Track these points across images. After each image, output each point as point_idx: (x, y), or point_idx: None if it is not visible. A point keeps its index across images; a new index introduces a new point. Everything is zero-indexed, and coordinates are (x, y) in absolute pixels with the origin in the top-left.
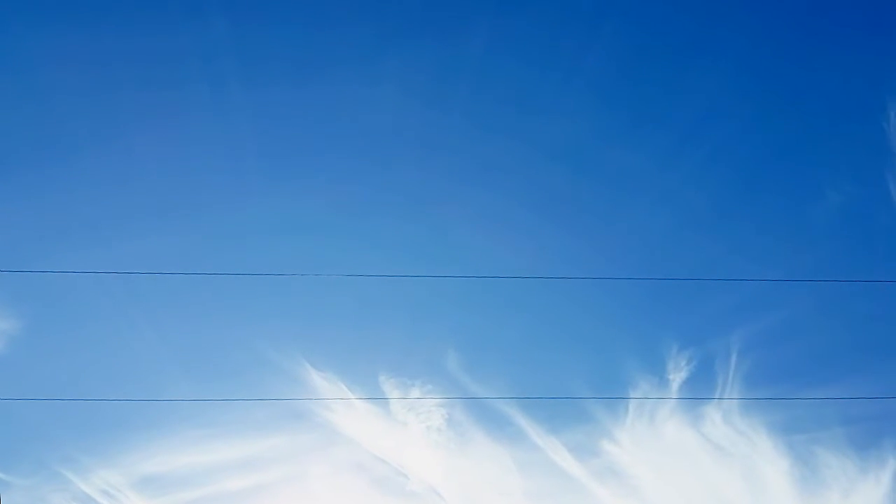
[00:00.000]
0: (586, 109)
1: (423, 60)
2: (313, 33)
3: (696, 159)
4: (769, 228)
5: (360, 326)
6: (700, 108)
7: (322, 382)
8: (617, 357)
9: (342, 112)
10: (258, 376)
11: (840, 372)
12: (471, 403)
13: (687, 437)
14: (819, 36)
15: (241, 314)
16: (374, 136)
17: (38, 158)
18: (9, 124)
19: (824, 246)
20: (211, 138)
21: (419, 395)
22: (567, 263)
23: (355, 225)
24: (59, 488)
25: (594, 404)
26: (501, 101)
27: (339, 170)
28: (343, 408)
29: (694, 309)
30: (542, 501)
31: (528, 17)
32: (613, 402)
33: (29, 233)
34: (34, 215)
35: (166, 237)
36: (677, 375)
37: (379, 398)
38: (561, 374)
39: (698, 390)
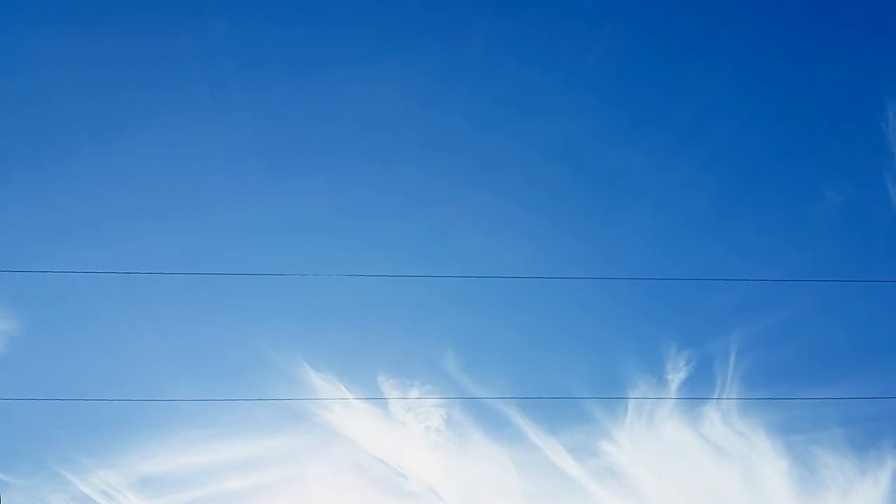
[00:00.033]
0: (586, 109)
1: (423, 60)
2: (313, 33)
3: (696, 159)
4: (768, 228)
5: (359, 326)
6: (700, 108)
7: (321, 383)
8: (616, 357)
9: (342, 112)
10: (257, 377)
11: (839, 372)
12: (470, 404)
13: (686, 437)
14: (818, 36)
15: (240, 314)
16: (374, 136)
17: (38, 158)
18: (9, 124)
19: (823, 246)
20: (211, 138)
21: (418, 395)
22: (566, 263)
23: (355, 225)
24: (58, 488)
25: (593, 404)
26: (501, 101)
27: (339, 170)
28: (342, 408)
29: (693, 309)
30: (540, 502)
31: (528, 17)
32: (612, 403)
33: (29, 233)
34: (34, 215)
35: (166, 237)
36: (676, 375)
37: (378, 398)
38: (560, 374)
39: (697, 390)
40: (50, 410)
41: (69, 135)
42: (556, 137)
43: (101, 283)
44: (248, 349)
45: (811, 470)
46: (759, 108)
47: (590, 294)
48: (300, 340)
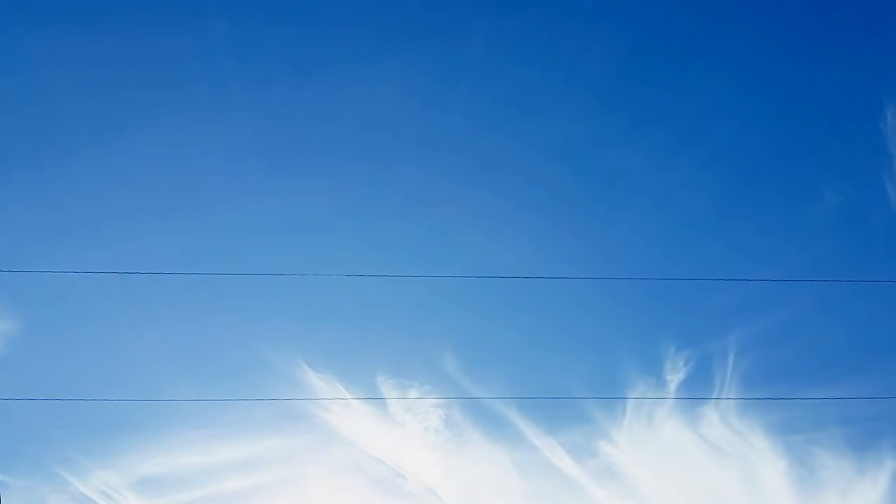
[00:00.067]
0: (586, 109)
1: (423, 60)
2: (313, 33)
3: (696, 159)
4: (767, 229)
5: (358, 327)
6: (700, 108)
7: (320, 383)
8: (614, 357)
9: (342, 112)
10: (256, 377)
11: (837, 372)
12: (468, 404)
13: (684, 437)
14: (817, 37)
15: (239, 314)
16: (374, 136)
17: (38, 158)
18: (9, 124)
19: (821, 246)
20: (211, 138)
21: (417, 395)
22: (565, 263)
23: (354, 225)
24: (57, 489)
25: (592, 405)
26: (501, 101)
27: (339, 170)
28: (341, 409)
29: (692, 309)
30: (539, 502)
31: (528, 17)
32: (611, 403)
33: (29, 233)
34: (34, 215)
35: (166, 237)
36: (675, 376)
37: (377, 398)
38: (558, 374)
39: (696, 391)
40: (49, 411)
41: (69, 135)
42: (556, 137)
43: (100, 283)
44: (246, 349)
45: (810, 470)
46: (759, 109)
47: (589, 294)
48: (299, 340)
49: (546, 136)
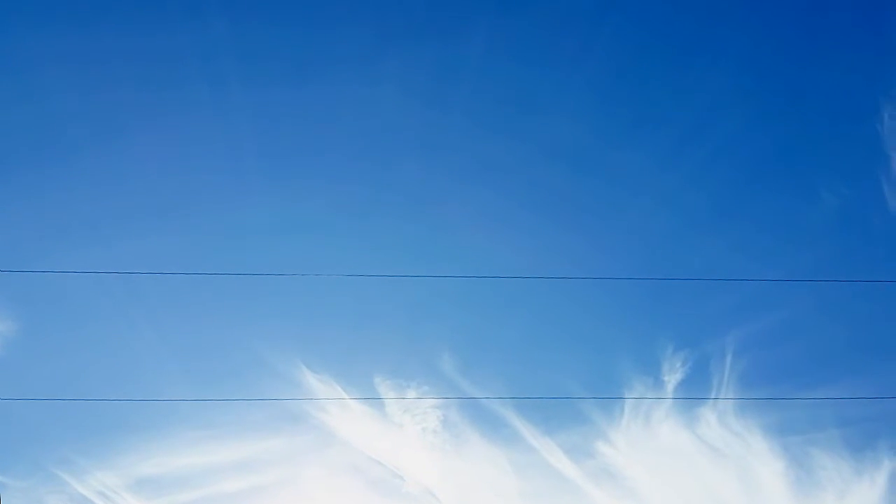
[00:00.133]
0: (586, 109)
1: (423, 60)
2: (313, 33)
3: (696, 159)
4: (765, 229)
5: (356, 327)
6: (700, 108)
7: (318, 384)
8: (612, 358)
9: (342, 112)
10: (254, 378)
11: (835, 373)
12: (466, 405)
13: (682, 438)
14: (815, 39)
15: (238, 315)
16: (374, 136)
17: (38, 158)
18: (9, 124)
19: (819, 247)
20: (211, 138)
21: (415, 396)
22: (564, 263)
23: (354, 225)
24: (55, 490)
25: (589, 405)
26: (501, 101)
27: (339, 170)
28: (339, 410)
29: (689, 309)
30: (537, 502)
31: (528, 17)
32: (609, 404)
33: (29, 233)
34: (34, 215)
35: (166, 237)
36: (672, 377)
37: (375, 398)
38: (556, 375)
39: (694, 391)
40: (48, 411)
41: (69, 135)
42: (556, 137)
43: (99, 283)
44: (245, 350)
45: (808, 471)
46: (759, 109)
47: (587, 294)
48: (297, 341)
49: (546, 136)
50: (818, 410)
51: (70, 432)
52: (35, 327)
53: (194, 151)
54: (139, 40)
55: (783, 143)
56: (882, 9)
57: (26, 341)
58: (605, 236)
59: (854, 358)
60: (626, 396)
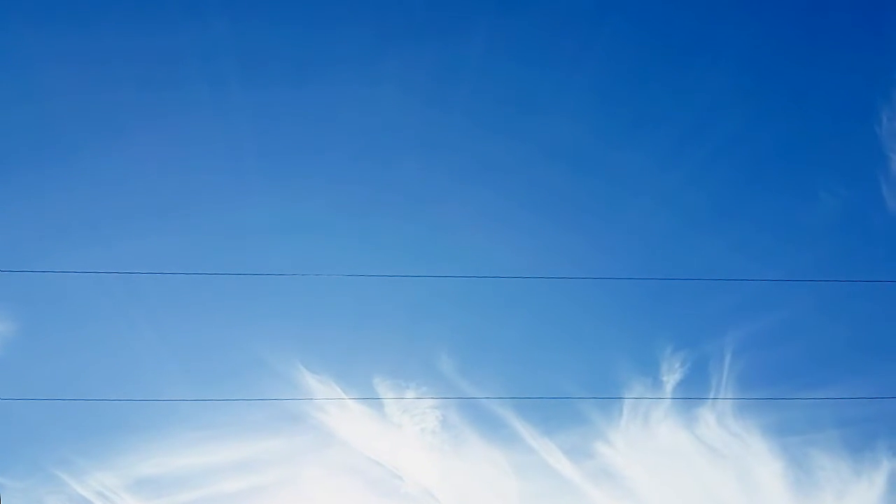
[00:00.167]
0: (586, 109)
1: (423, 60)
2: (313, 33)
3: (696, 159)
4: (764, 229)
5: (355, 327)
6: (700, 108)
7: (317, 385)
8: (611, 358)
9: (342, 112)
10: (253, 378)
11: (834, 373)
12: (465, 405)
13: (681, 438)
14: (814, 39)
15: (238, 315)
16: (374, 136)
17: (38, 158)
18: (9, 124)
19: (818, 247)
20: (211, 138)
21: (414, 396)
22: (563, 263)
23: (354, 225)
24: (54, 490)
25: (588, 406)
26: (501, 101)
27: (339, 169)
28: (338, 410)
29: (688, 310)
30: (536, 503)
31: (528, 17)
32: (608, 404)
33: (29, 233)
34: (34, 215)
35: (166, 237)
36: (671, 377)
37: (374, 398)
38: (555, 375)
39: (692, 391)
40: (47, 411)
41: (69, 135)
42: (556, 137)
43: (99, 283)
44: (244, 350)
45: (806, 471)
46: (759, 109)
47: (586, 294)
48: (296, 341)
49: (546, 136)
50: (817, 411)
51: (70, 432)
52: (35, 327)
53: (194, 151)
54: (139, 40)
55: (783, 144)
56: (882, 9)
57: (26, 341)
58: (605, 236)
59: (853, 358)
60: (625, 397)
